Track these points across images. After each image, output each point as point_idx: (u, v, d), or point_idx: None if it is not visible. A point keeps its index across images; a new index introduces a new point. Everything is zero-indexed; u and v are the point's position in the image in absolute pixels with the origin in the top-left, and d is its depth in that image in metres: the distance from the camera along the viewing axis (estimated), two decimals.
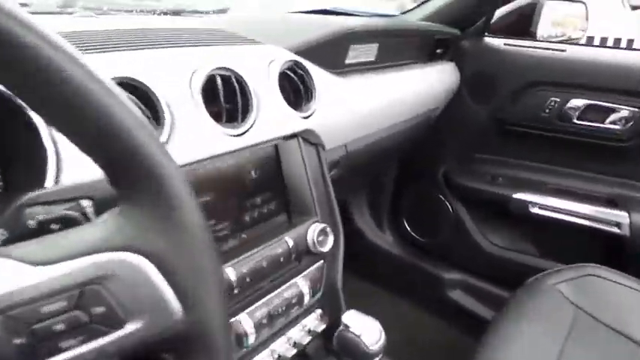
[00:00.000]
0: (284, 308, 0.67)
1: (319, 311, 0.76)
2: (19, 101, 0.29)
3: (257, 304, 0.64)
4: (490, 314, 1.29)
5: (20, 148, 0.44)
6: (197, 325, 0.31)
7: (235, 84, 0.63)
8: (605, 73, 1.19)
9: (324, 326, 0.74)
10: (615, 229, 1.18)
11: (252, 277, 0.62)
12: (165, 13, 1.00)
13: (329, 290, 0.77)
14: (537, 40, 1.33)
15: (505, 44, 1.32)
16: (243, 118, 0.64)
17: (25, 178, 0.43)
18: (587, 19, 1.40)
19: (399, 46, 1.11)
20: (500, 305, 0.94)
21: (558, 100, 1.23)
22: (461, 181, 1.43)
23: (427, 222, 1.55)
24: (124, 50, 0.56)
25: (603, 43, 3.41)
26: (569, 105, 1.22)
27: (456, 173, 1.45)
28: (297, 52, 0.79)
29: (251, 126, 0.64)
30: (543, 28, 1.36)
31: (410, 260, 1.58)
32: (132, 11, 0.97)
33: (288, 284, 0.69)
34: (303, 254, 0.70)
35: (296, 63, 0.75)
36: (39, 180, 0.42)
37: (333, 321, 0.73)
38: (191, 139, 0.56)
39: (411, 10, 1.31)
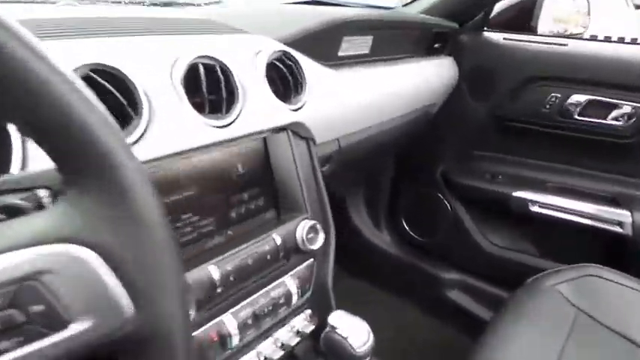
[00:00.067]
0: (270, 308, 0.65)
1: (308, 311, 0.73)
2: None
3: (242, 304, 0.62)
4: (489, 315, 1.26)
5: None
6: (150, 326, 0.29)
7: (220, 74, 0.60)
8: (608, 68, 1.17)
9: (313, 327, 0.72)
10: (617, 229, 1.16)
11: (236, 275, 0.60)
12: (155, 4, 0.97)
13: (319, 290, 0.74)
14: (538, 35, 1.31)
15: (505, 38, 1.29)
16: (228, 110, 0.61)
17: None
18: (589, 14, 1.37)
19: (394, 39, 1.08)
20: (499, 306, 0.93)
21: (559, 95, 1.21)
22: (460, 179, 1.41)
23: (425, 221, 1.53)
24: (100, 37, 0.54)
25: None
26: (570, 100, 1.20)
27: (454, 171, 1.43)
28: (289, 44, 0.76)
29: (236, 117, 0.62)
30: (544, 24, 1.33)
31: (408, 260, 1.56)
32: (120, 2, 0.94)
33: (275, 283, 0.67)
34: (291, 252, 0.68)
35: (285, 54, 0.72)
36: (3, 169, 0.40)
37: (322, 322, 0.71)
38: (171, 129, 0.54)
39: (410, 3, 1.28)
